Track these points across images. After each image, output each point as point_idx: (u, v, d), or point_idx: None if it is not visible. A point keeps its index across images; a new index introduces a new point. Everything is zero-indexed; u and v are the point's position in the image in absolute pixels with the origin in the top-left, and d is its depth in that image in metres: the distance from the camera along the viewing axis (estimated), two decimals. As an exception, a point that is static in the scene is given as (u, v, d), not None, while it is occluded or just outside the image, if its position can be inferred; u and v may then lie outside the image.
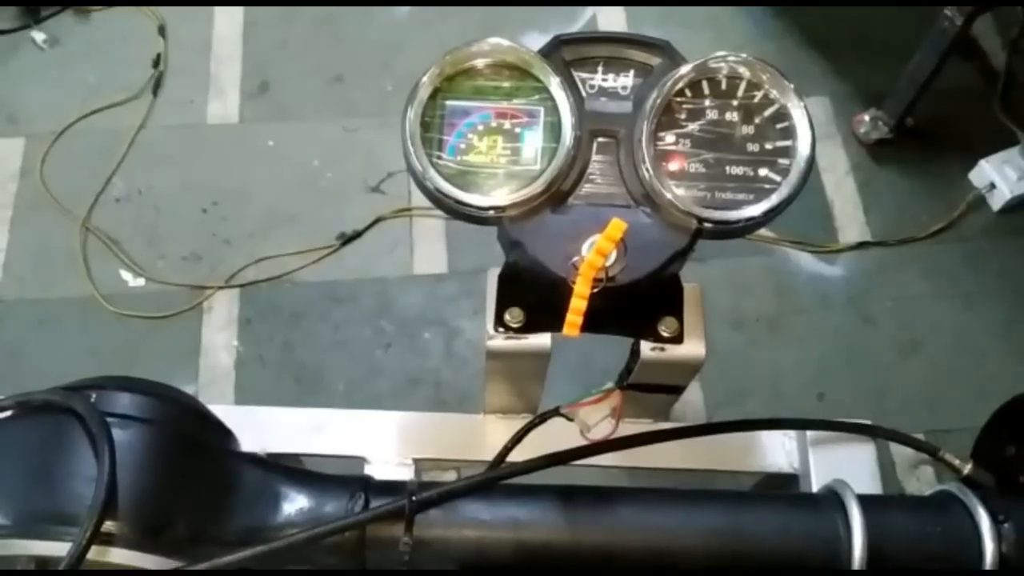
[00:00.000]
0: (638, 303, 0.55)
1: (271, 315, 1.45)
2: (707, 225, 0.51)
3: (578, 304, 0.48)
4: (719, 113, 0.52)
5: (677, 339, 0.56)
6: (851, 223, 1.55)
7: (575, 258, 0.50)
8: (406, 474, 0.70)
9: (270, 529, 0.53)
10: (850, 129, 1.61)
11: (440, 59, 0.52)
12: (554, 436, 0.57)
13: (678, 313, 0.56)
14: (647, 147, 0.51)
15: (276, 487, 0.55)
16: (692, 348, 0.56)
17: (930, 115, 1.56)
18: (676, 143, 0.52)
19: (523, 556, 0.53)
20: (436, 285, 1.48)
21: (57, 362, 1.39)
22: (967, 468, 0.62)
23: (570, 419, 0.57)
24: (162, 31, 1.70)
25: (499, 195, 0.51)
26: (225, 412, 0.60)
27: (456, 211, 0.51)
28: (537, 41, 0.54)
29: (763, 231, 1.43)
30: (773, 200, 0.50)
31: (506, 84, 0.53)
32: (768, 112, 0.52)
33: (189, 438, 0.55)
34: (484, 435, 0.73)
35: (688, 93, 0.52)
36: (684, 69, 0.52)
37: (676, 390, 0.65)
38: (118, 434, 0.50)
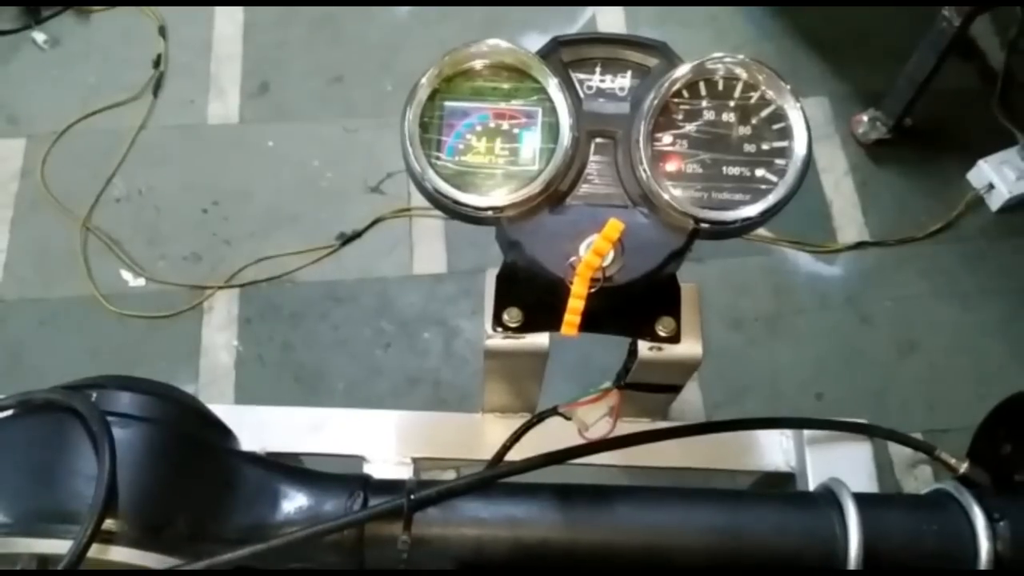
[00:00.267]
0: (635, 303, 0.56)
1: (271, 315, 1.46)
2: (704, 225, 0.51)
3: (576, 304, 0.48)
4: (716, 114, 0.52)
5: (674, 339, 0.56)
6: (849, 223, 1.55)
7: (573, 258, 0.50)
8: (405, 473, 0.70)
9: (269, 527, 0.53)
10: (849, 129, 1.61)
11: (439, 60, 0.53)
12: (552, 435, 0.57)
13: (675, 313, 0.57)
14: (644, 148, 0.51)
15: (275, 486, 0.55)
16: (689, 348, 0.57)
17: (928, 115, 1.56)
18: (673, 144, 0.52)
19: (521, 554, 0.54)
20: (435, 285, 1.49)
21: (58, 362, 1.39)
22: (963, 467, 0.62)
23: (568, 418, 0.57)
24: (162, 31, 1.70)
25: (497, 195, 0.51)
26: (225, 411, 0.61)
27: (454, 211, 0.52)
28: (537, 42, 0.54)
29: (761, 231, 1.43)
30: (770, 200, 0.51)
31: (504, 85, 0.53)
32: (764, 113, 0.52)
33: (189, 437, 0.55)
34: (483, 434, 0.74)
35: (685, 94, 0.53)
36: (681, 70, 0.52)
37: (674, 389, 0.66)
38: (119, 433, 0.50)
